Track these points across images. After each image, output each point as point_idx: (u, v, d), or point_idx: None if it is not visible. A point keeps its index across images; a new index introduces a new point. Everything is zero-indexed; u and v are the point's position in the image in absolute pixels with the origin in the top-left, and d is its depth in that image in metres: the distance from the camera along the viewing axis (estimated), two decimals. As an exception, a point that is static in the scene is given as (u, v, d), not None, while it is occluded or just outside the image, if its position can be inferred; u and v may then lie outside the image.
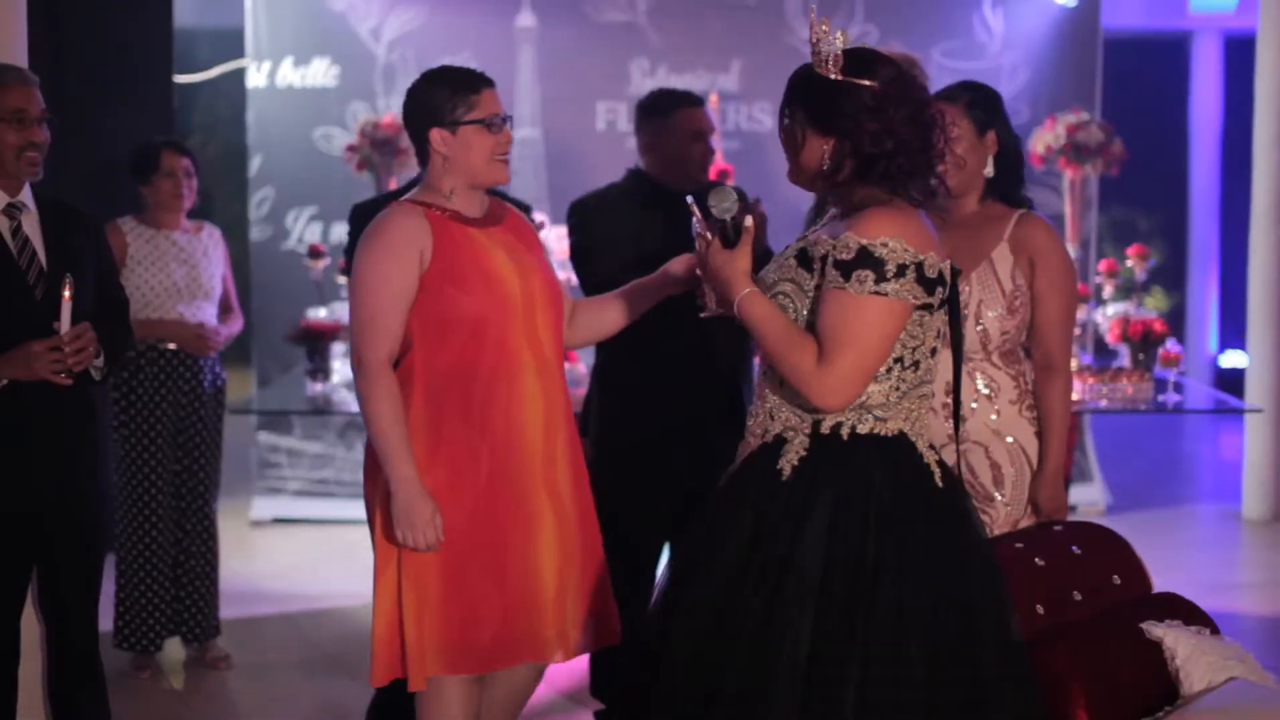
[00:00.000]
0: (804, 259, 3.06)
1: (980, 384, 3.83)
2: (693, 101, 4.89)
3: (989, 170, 3.87)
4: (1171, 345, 6.38)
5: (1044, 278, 3.82)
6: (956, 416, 3.39)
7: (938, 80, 7.98)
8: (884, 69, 3.00)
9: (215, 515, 5.74)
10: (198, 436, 5.62)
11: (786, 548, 2.95)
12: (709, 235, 3.12)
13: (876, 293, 2.91)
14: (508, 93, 8.38)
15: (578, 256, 4.91)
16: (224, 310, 5.75)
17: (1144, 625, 3.43)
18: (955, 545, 3.03)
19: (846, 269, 2.93)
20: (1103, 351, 7.53)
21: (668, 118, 4.84)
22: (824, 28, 3.01)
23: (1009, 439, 3.84)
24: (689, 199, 3.21)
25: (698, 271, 3.19)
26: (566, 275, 7.18)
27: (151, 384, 5.51)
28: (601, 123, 8.34)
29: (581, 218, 4.91)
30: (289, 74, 8.36)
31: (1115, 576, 3.62)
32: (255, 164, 8.41)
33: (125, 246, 5.45)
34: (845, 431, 3.01)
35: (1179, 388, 6.28)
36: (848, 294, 2.92)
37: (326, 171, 8.14)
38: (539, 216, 7.56)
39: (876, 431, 3.02)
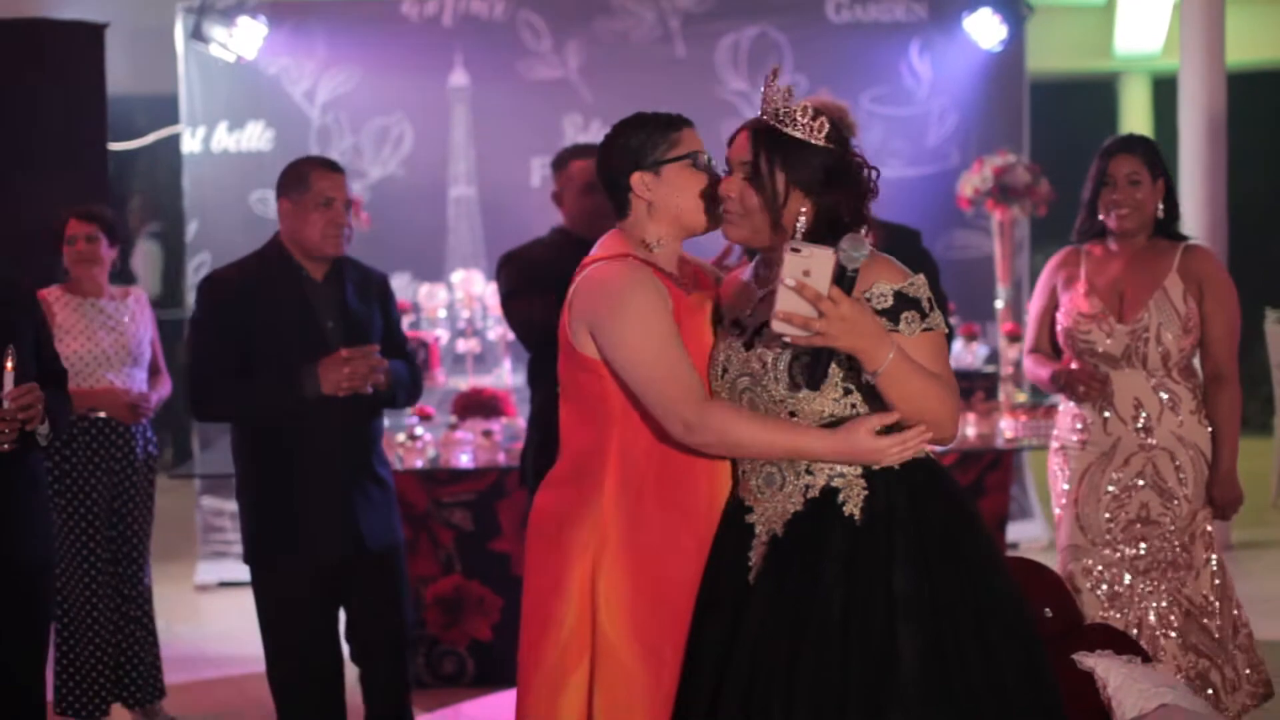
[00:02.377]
0: None
1: (1164, 396, 4.44)
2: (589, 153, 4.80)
3: (1159, 211, 4.49)
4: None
5: (1211, 299, 4.43)
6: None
7: (868, 127, 8.14)
8: (845, 134, 3.06)
9: (149, 580, 5.71)
10: (131, 503, 5.61)
11: (884, 591, 2.90)
12: (785, 283, 2.79)
13: (927, 329, 2.96)
14: (442, 152, 8.43)
15: (511, 300, 4.92)
16: (152, 374, 5.75)
17: (1076, 656, 3.50)
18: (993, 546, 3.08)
19: (893, 315, 2.93)
20: (1039, 389, 7.58)
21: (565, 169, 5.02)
22: (790, 91, 3.01)
23: (1191, 444, 4.43)
24: (790, 241, 2.84)
25: (779, 317, 2.80)
26: (503, 330, 7.24)
27: (84, 453, 5.49)
28: (536, 179, 8.35)
29: (516, 266, 4.95)
30: (224, 138, 8.38)
31: (1047, 609, 3.69)
32: (192, 229, 8.40)
33: (53, 316, 5.41)
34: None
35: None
36: (902, 336, 2.91)
37: (264, 234, 7.93)
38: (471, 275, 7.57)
39: (917, 454, 2.99)
